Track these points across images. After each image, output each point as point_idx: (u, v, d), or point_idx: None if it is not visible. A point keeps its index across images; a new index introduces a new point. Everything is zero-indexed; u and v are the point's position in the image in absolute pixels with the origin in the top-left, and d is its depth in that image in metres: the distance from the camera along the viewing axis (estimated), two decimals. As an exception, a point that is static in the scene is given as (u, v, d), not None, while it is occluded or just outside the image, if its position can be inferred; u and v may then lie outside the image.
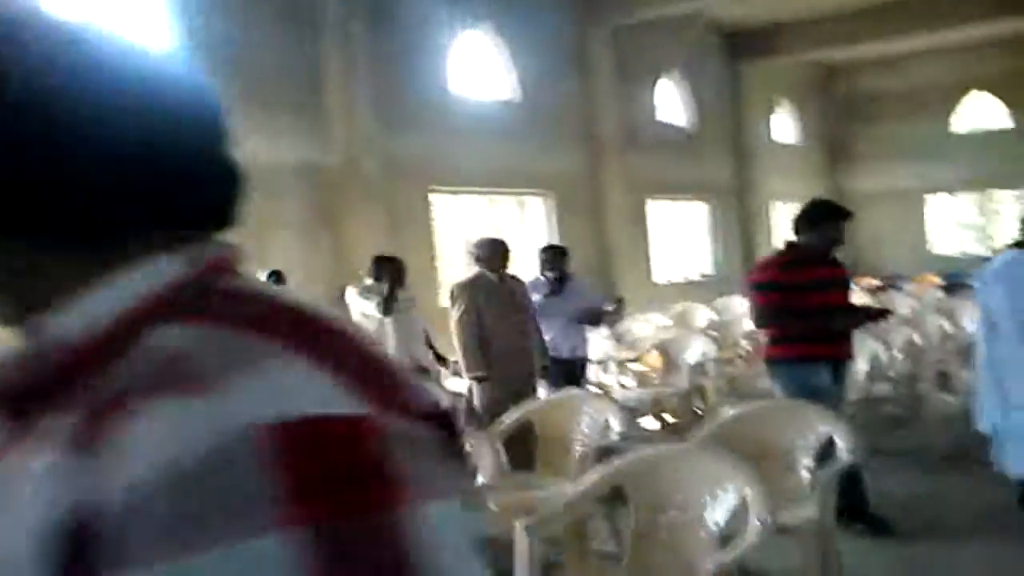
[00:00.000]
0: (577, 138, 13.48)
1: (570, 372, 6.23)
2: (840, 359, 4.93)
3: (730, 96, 17.48)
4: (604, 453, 4.38)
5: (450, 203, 11.63)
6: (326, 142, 9.74)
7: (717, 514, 3.25)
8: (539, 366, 5.82)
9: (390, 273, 6.53)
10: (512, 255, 5.96)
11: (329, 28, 9.71)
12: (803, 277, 4.79)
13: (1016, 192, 19.75)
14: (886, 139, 20.10)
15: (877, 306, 5.50)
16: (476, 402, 5.54)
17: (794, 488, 3.91)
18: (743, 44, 17.07)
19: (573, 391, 5.18)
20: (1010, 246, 4.75)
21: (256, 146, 8.91)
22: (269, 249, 9.14)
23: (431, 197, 11.15)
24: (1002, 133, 19.12)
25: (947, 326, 8.25)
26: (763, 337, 5.30)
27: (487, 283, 5.70)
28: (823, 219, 4.86)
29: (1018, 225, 4.88)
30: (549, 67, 13.04)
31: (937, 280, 14.68)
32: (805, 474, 3.99)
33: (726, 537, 3.16)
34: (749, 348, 8.38)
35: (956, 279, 14.16)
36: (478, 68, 12.13)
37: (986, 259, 5.14)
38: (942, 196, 20.19)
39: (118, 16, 8.21)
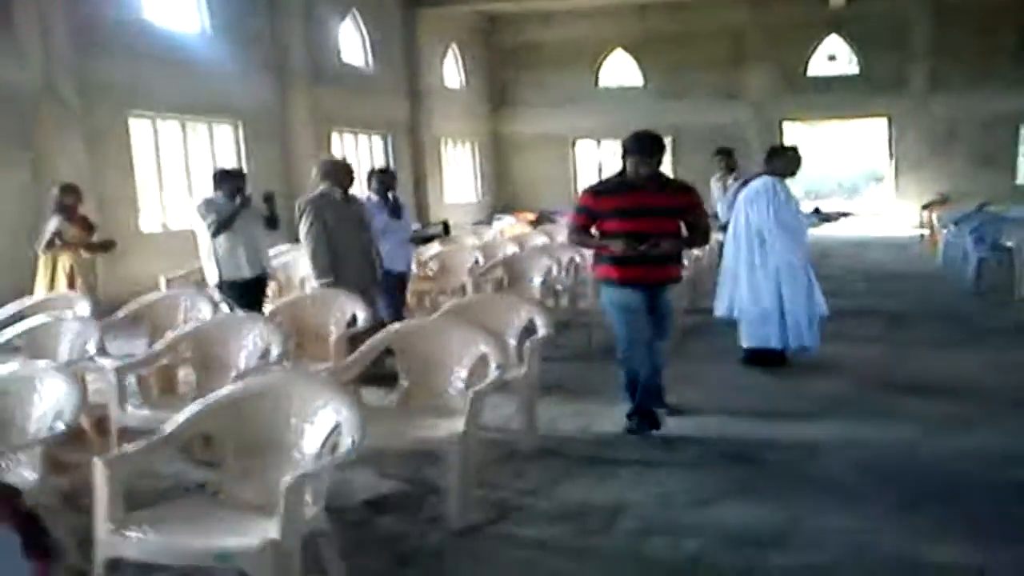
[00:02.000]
0: (267, 70, 13.96)
1: (401, 283, 7.10)
2: (652, 283, 5.17)
3: (406, 40, 18.58)
4: (352, 340, 5.39)
5: (147, 128, 11.77)
6: (21, 62, 9.62)
7: (464, 367, 4.42)
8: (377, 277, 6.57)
9: (234, 186, 6.70)
10: (354, 176, 6.66)
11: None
12: (608, 204, 5.09)
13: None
14: (541, 88, 22.24)
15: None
16: None
17: (509, 355, 5.14)
18: (419, -9, 18.21)
19: (320, 291, 6.08)
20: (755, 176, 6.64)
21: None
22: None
23: (129, 122, 11.26)
24: (636, 89, 21.90)
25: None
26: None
27: (332, 200, 6.33)
28: (628, 151, 5.10)
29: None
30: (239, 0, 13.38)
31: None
32: (514, 344, 5.25)
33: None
34: (435, 268, 9.61)
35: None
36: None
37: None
38: (588, 142, 22.72)
39: None
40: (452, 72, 21.21)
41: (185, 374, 5.32)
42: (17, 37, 9.57)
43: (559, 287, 8.40)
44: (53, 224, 7.84)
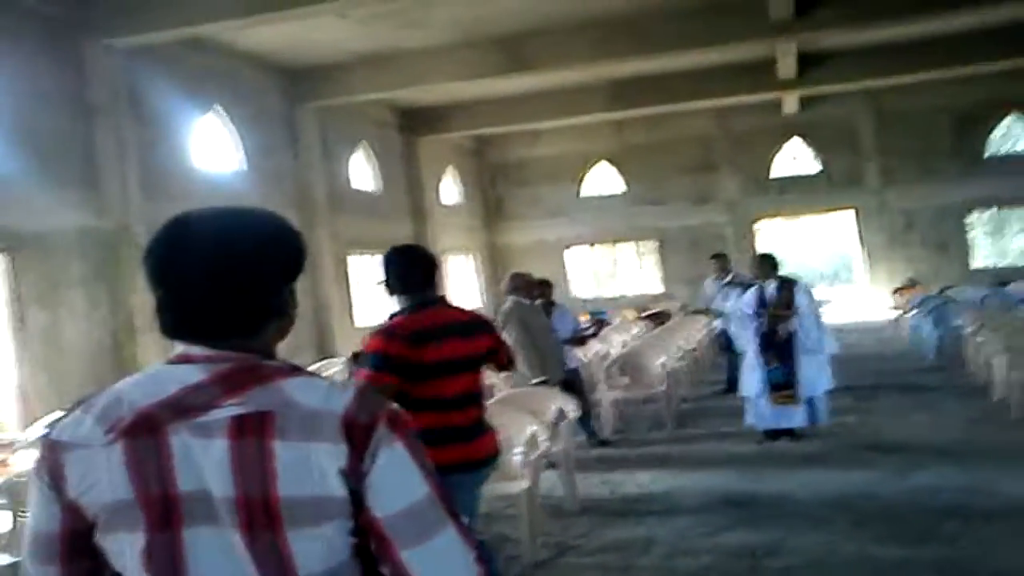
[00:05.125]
0: (292, 202, 15.60)
1: (566, 382, 7.67)
2: None
3: (407, 165, 20.39)
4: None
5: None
6: (102, 210, 11.19)
7: (520, 441, 5.84)
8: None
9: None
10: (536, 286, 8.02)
11: (101, 115, 11.22)
12: None
13: (631, 244, 24.43)
14: (531, 200, 24.07)
15: None
16: None
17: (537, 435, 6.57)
18: (417, 122, 20.06)
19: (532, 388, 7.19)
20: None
21: (45, 215, 10.37)
22: (61, 299, 10.57)
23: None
24: (619, 197, 23.72)
25: (601, 348, 11.50)
26: None
27: (526, 308, 7.43)
28: None
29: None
30: (268, 141, 15.12)
31: (587, 317, 18.30)
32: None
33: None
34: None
35: (599, 315, 17.90)
36: (213, 144, 13.97)
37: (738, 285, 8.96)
38: (579, 248, 24.40)
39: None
40: (450, 190, 22.99)
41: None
42: (100, 191, 11.14)
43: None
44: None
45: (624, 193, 23.69)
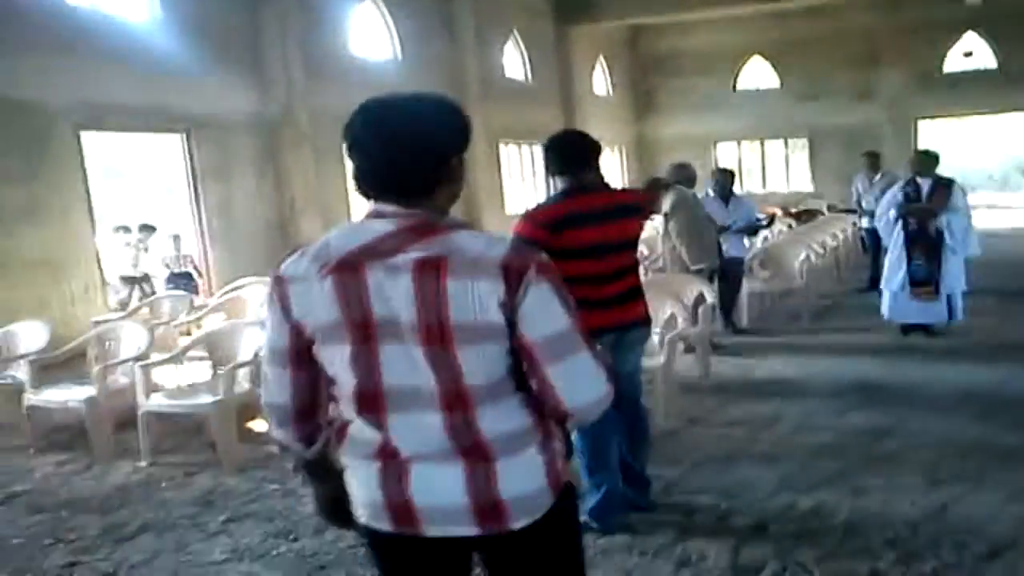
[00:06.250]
0: (446, 89, 15.95)
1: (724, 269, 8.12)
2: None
3: (558, 54, 20.44)
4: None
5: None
6: (267, 95, 11.89)
7: (659, 324, 6.16)
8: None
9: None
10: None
11: (266, 2, 11.81)
12: None
13: (781, 141, 23.91)
14: (682, 93, 23.77)
15: None
16: None
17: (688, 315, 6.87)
18: (570, 9, 20.00)
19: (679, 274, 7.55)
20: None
21: (216, 98, 11.09)
22: (232, 177, 11.38)
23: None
24: (773, 92, 23.14)
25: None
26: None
27: (690, 198, 7.68)
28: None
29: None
30: (422, 28, 15.50)
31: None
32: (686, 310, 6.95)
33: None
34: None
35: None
36: (369, 31, 14.45)
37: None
38: (728, 143, 24.08)
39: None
40: (600, 81, 22.94)
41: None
42: (265, 76, 11.83)
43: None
44: None
45: (779, 89, 23.09)
